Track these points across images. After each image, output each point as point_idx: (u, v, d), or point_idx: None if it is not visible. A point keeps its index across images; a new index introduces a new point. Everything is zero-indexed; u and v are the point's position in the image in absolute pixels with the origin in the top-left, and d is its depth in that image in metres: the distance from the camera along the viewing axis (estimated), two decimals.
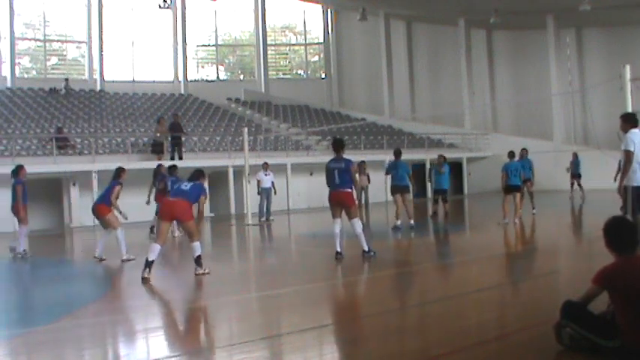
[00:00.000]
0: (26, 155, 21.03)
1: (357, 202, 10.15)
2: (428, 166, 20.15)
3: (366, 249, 9.59)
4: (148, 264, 8.53)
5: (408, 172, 14.56)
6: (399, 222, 14.25)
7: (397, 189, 14.50)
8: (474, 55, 34.74)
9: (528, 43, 34.22)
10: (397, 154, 14.79)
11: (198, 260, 8.84)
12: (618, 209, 11.93)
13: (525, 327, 5.42)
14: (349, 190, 9.62)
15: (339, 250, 9.61)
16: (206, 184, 23.20)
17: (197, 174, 9.30)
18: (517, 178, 14.41)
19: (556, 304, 4.69)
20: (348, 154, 10.10)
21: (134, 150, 22.75)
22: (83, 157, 21.57)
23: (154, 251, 8.59)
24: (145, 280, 8.43)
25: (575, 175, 21.63)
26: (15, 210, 12.15)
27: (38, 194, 19.02)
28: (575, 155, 21.89)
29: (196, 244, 8.83)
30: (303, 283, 8.33)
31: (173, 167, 15.32)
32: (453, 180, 24.47)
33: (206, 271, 8.82)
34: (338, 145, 9.88)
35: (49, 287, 9.27)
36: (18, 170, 12.11)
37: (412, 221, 14.36)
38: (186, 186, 8.99)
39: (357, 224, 9.62)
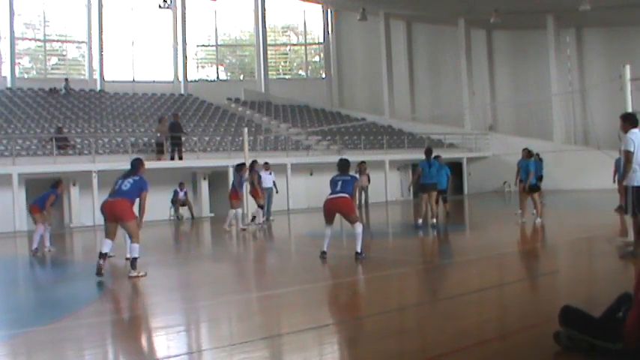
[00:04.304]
0: (26, 155, 21.03)
1: (356, 209, 10.30)
2: None
3: (359, 251, 9.71)
4: (102, 255, 8.63)
5: (442, 171, 15.37)
6: (432, 220, 14.78)
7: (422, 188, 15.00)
8: (474, 55, 34.71)
9: (528, 43, 34.21)
10: (426, 152, 15.14)
11: (133, 263, 8.72)
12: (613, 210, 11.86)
13: (525, 327, 5.41)
14: (347, 195, 9.69)
15: (325, 249, 9.87)
16: (205, 184, 23.31)
17: (136, 167, 9.06)
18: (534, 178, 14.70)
19: (556, 304, 4.68)
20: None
21: (134, 150, 22.73)
22: (83, 157, 21.55)
23: (107, 245, 8.73)
24: (100, 274, 8.55)
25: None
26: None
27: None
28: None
29: (135, 246, 8.72)
30: (303, 283, 8.33)
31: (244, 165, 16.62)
32: (453, 180, 24.36)
33: (141, 274, 8.69)
34: (345, 165, 10.17)
35: (49, 287, 9.27)
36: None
37: (420, 221, 14.61)
38: (126, 185, 8.82)
39: (359, 227, 9.79)
